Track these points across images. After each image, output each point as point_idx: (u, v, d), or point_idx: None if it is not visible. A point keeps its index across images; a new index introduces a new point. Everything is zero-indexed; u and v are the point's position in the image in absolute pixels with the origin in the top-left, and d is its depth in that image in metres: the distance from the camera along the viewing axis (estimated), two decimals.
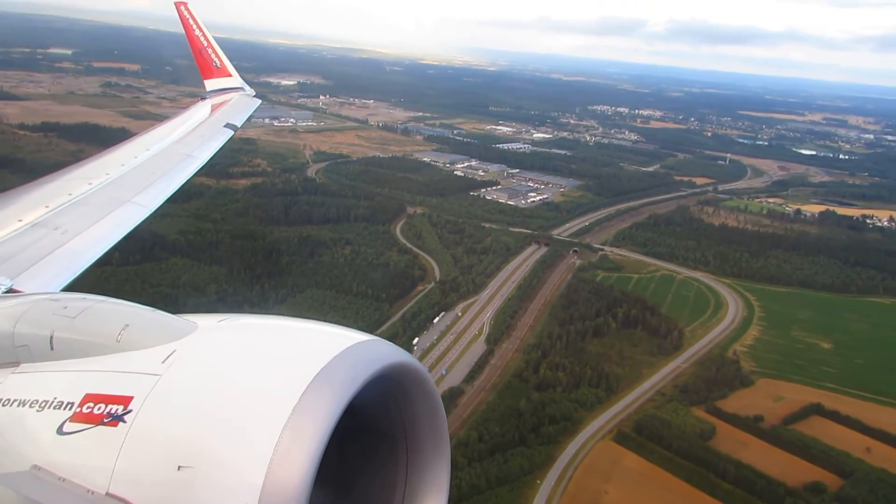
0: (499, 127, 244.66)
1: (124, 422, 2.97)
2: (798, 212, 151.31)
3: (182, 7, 16.76)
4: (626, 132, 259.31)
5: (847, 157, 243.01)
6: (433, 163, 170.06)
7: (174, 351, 3.21)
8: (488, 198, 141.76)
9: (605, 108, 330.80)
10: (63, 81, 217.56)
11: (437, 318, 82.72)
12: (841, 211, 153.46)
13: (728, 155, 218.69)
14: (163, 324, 3.50)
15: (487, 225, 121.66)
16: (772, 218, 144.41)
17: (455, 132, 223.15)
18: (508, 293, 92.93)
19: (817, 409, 68.01)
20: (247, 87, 17.50)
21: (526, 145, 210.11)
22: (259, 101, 17.33)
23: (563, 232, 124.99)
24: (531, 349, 76.74)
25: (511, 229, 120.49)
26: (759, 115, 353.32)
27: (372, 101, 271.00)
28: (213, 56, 17.05)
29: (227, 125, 13.70)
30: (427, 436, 3.42)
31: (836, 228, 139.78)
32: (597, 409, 66.37)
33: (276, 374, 2.92)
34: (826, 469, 58.42)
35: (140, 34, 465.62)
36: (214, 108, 15.17)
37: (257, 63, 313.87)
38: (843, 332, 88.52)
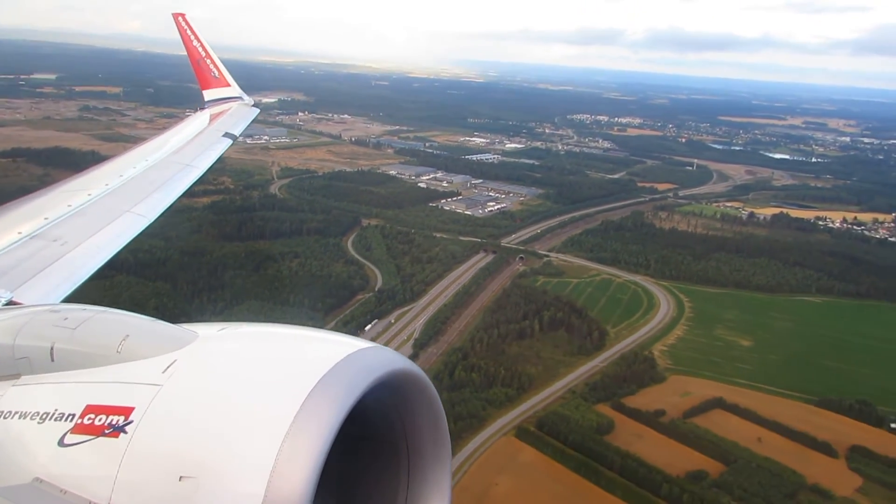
0: (472, 138, 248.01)
1: (125, 433, 2.98)
2: (751, 215, 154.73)
3: (180, 18, 17.16)
4: (600, 140, 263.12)
5: (819, 160, 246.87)
6: (399, 175, 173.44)
7: (175, 361, 3.24)
8: (446, 208, 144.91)
9: (585, 116, 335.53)
10: (41, 107, 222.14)
11: (368, 326, 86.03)
12: (795, 213, 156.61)
13: (695, 160, 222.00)
14: (163, 334, 3.55)
15: (439, 235, 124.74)
16: (724, 221, 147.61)
17: (427, 145, 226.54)
18: (446, 300, 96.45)
19: (719, 403, 71.17)
20: (245, 97, 17.94)
21: (496, 156, 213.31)
22: (258, 111, 17.73)
23: (514, 240, 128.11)
24: (454, 352, 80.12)
25: (461, 238, 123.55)
26: (740, 120, 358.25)
27: (348, 116, 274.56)
28: (211, 66, 17.46)
29: (226, 134, 14.04)
30: (428, 442, 3.45)
31: (785, 230, 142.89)
32: (506, 407, 69.48)
33: (277, 382, 2.94)
34: (713, 458, 61.61)
35: (127, 57, 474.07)
36: (213, 117, 15.43)
37: (242, 81, 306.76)
38: (766, 330, 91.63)
